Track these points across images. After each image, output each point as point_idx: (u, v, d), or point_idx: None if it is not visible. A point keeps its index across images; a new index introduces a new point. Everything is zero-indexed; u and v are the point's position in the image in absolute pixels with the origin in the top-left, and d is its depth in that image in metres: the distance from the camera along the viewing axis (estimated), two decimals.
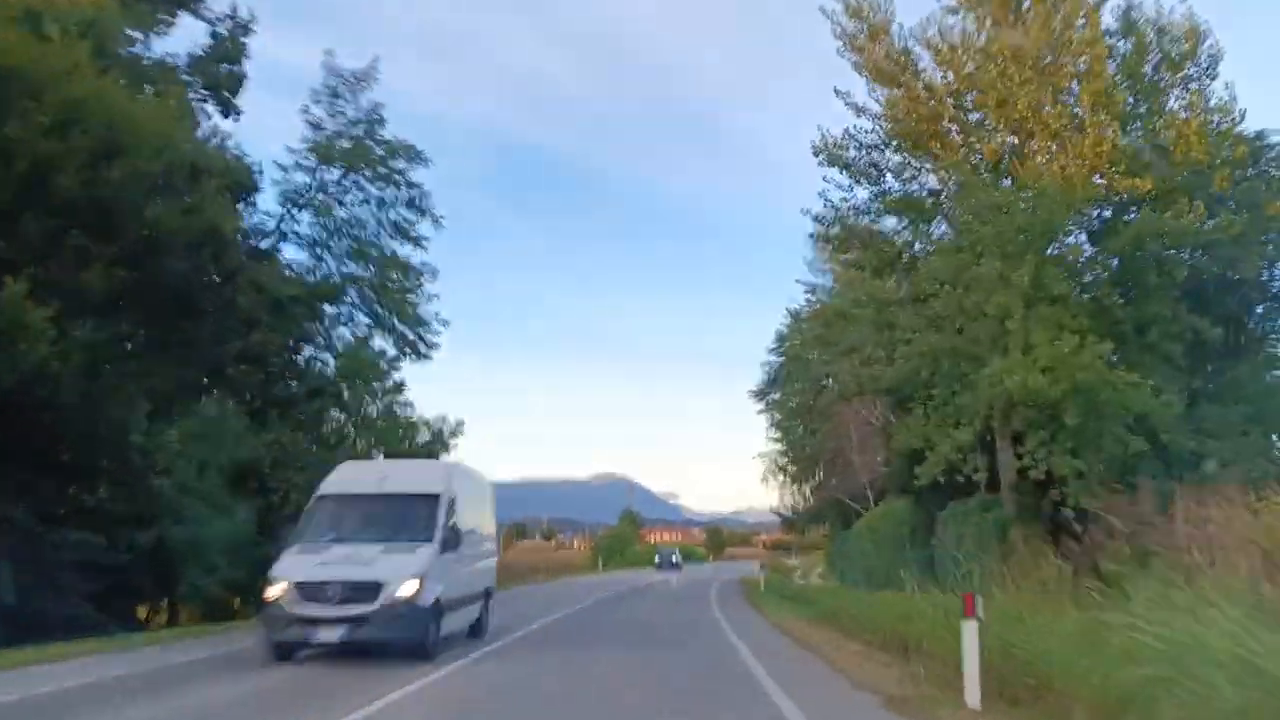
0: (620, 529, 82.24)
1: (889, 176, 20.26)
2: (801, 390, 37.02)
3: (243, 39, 22.25)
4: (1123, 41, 18.44)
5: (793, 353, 38.71)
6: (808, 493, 40.34)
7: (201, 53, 21.77)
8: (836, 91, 19.31)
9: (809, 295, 38.58)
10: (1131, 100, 18.00)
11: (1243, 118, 17.82)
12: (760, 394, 43.21)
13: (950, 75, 18.44)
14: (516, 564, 55.53)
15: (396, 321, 25.07)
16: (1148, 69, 18.08)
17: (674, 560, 59.54)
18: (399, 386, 37.06)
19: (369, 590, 10.47)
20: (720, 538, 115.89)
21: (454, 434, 37.76)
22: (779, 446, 41.38)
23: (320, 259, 24.46)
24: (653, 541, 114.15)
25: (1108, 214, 18.17)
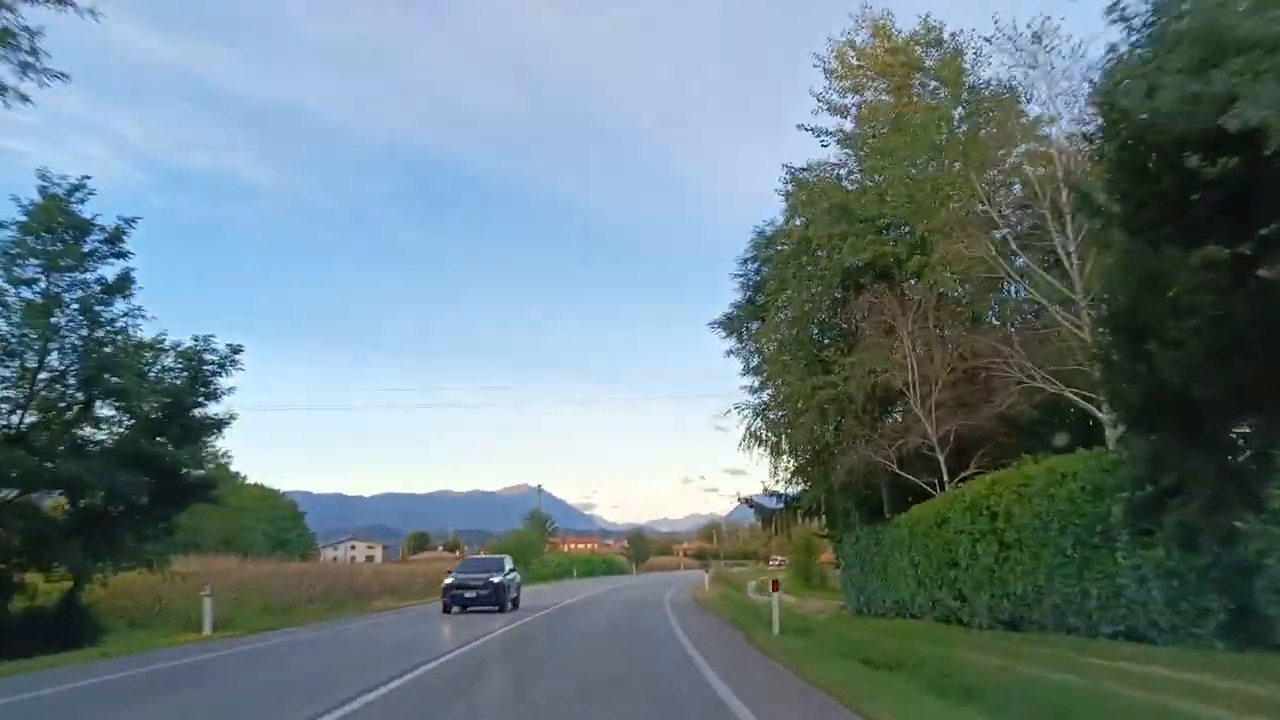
0: (524, 534, 66.68)
1: None
2: (816, 294, 22.82)
3: None
4: None
5: (788, 253, 24.50)
6: (797, 465, 26.08)
7: None
8: None
9: (806, 170, 24.52)
10: None
11: None
12: (729, 325, 28.90)
13: None
14: (372, 583, 39.69)
15: None
16: None
17: (496, 581, 24.41)
18: (124, 281, 21.63)
19: None
20: (643, 545, 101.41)
21: (223, 368, 22.32)
22: (761, 398, 27.10)
23: None
24: (566, 550, 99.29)
25: None
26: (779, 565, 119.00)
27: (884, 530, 22.21)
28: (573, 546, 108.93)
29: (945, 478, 19.24)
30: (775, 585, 15.55)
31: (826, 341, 23.65)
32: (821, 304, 22.93)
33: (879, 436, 20.29)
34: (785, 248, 24.75)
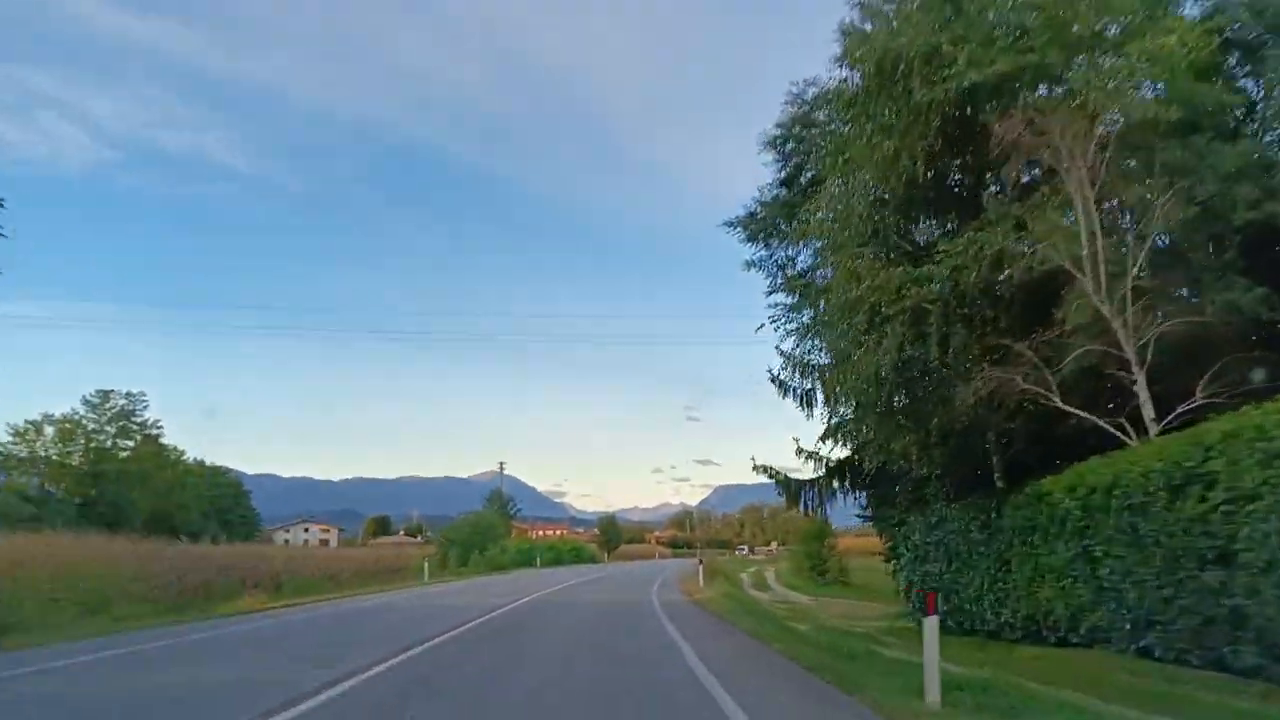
0: (484, 517, 58.23)
1: None
2: (905, 144, 14.94)
3: None
4: None
5: (856, 94, 16.54)
6: (851, 415, 18.04)
7: None
8: None
9: None
10: None
11: None
12: (752, 225, 20.98)
13: None
14: (283, 571, 31.57)
15: None
16: None
17: None
18: None
19: None
20: (615, 532, 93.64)
21: None
22: (801, 320, 19.19)
23: None
24: (535, 537, 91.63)
25: None
26: (748, 555, 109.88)
27: (1003, 506, 14.42)
28: (541, 533, 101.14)
29: (1152, 415, 11.44)
30: (930, 603, 7.52)
31: (916, 219, 15.76)
32: (913, 157, 14.92)
33: (1028, 350, 12.42)
34: (849, 88, 16.67)
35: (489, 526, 55.09)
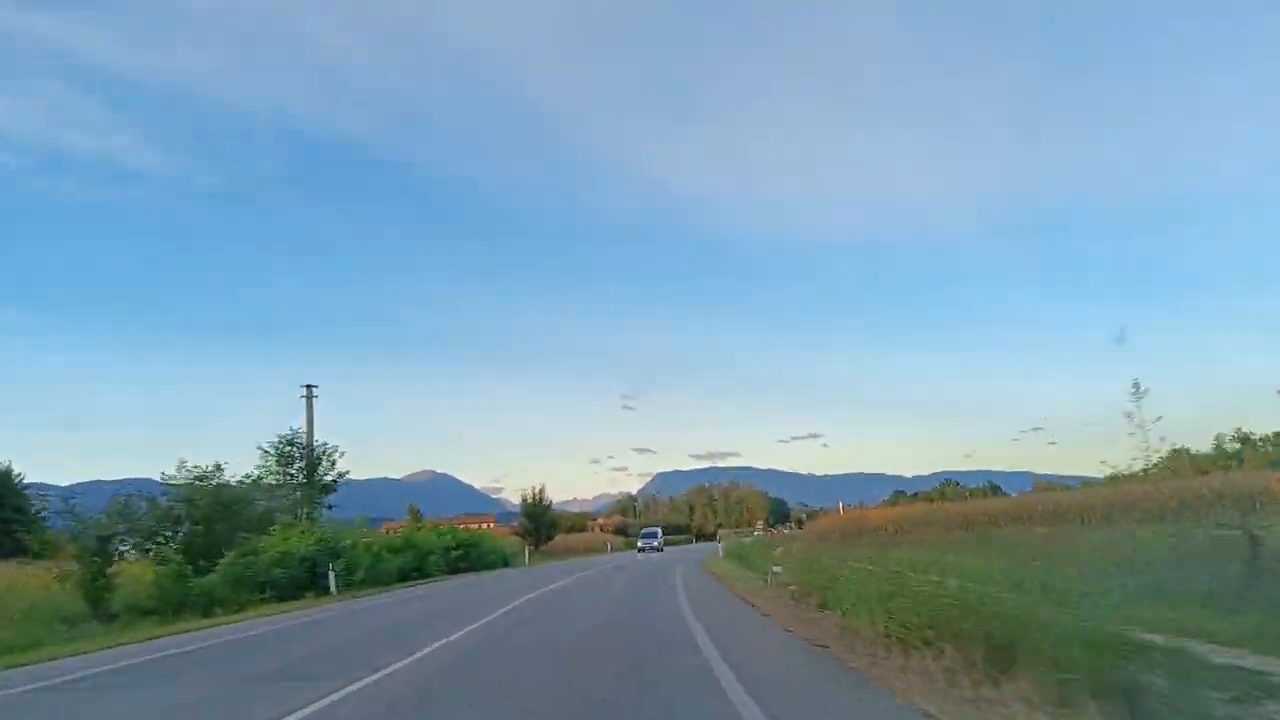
0: (212, 494, 25.28)
1: None
2: None
3: None
4: None
5: None
6: None
7: None
8: None
9: None
10: None
11: None
12: None
13: None
14: None
15: None
16: None
17: None
18: None
19: None
20: (545, 517, 62.73)
21: None
22: None
23: None
24: (481, 529, 61.02)
25: None
26: (656, 547, 62.65)
27: None
28: (464, 527, 70.37)
29: None
30: None
31: None
32: None
33: None
34: None
35: (229, 503, 23.65)
